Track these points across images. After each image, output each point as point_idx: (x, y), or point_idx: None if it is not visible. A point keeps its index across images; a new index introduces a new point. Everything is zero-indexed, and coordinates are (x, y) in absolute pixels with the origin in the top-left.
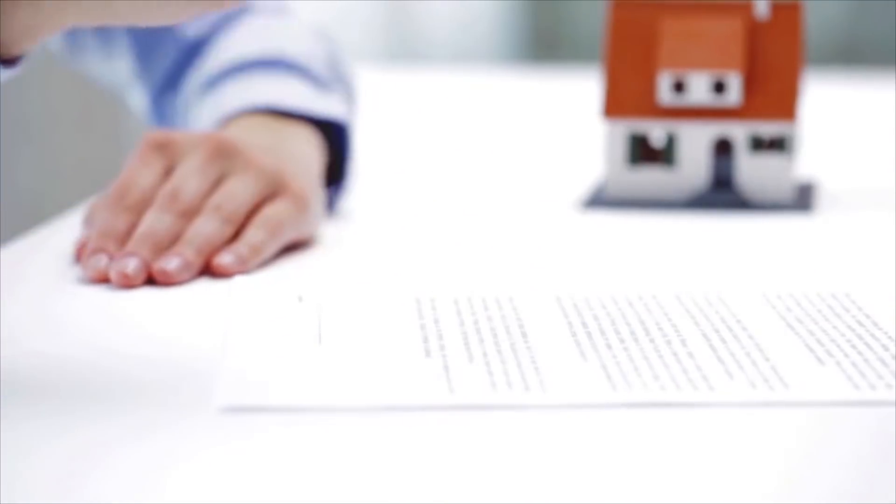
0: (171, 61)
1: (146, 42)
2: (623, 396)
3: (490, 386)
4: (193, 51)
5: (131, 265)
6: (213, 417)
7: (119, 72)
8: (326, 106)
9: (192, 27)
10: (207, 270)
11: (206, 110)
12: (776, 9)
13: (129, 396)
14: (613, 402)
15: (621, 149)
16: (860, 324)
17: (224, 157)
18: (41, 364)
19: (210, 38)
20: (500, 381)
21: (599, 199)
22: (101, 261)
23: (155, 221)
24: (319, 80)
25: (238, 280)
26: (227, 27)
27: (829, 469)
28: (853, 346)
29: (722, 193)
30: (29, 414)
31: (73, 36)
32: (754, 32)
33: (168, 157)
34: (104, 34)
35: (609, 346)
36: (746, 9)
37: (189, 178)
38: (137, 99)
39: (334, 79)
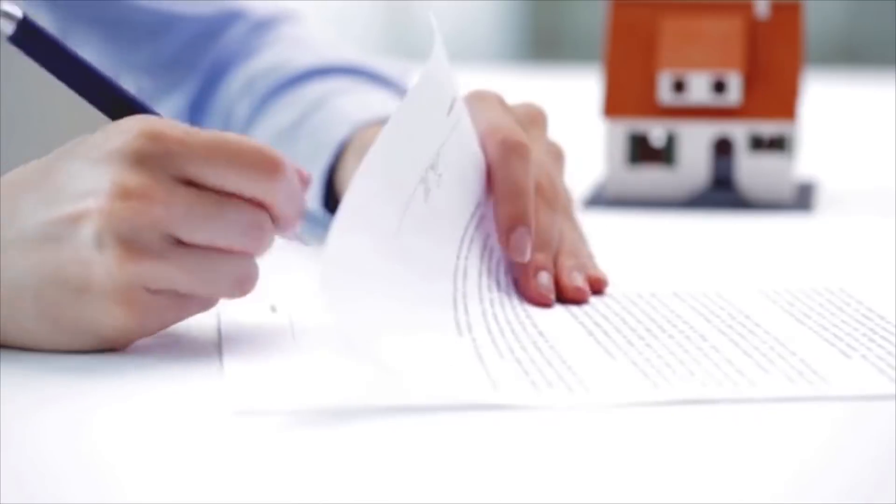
0: (174, 52)
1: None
2: (667, 394)
3: (530, 385)
4: (200, 42)
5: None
6: (216, 418)
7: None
8: None
9: (188, 18)
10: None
11: (287, 112)
12: (776, 9)
13: (129, 396)
14: (658, 399)
15: (621, 148)
16: (868, 318)
17: None
18: (40, 365)
19: (219, 34)
20: (539, 380)
21: (599, 199)
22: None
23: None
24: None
25: None
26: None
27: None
28: (871, 340)
29: (722, 193)
30: (29, 417)
31: (67, 29)
32: (754, 32)
33: None
34: (104, 25)
35: (631, 344)
36: (746, 9)
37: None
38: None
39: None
